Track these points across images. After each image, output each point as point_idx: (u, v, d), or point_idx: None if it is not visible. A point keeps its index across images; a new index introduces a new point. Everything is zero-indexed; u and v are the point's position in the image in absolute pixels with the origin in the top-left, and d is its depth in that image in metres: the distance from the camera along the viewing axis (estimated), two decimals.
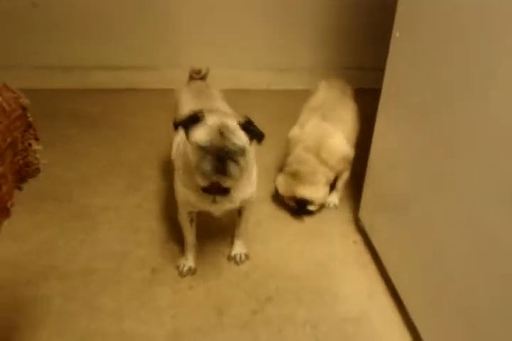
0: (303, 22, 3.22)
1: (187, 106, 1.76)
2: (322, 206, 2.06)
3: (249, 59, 3.32)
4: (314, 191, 1.94)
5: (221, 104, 1.83)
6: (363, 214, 1.89)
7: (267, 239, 1.91)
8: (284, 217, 2.04)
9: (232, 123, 1.36)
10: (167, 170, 2.36)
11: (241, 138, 1.35)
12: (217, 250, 1.84)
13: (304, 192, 1.93)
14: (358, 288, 1.68)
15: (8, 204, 0.87)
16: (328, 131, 1.96)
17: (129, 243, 1.85)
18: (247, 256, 1.80)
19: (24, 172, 0.96)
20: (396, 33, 1.54)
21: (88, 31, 3.10)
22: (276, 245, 1.88)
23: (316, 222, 2.02)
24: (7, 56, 3.04)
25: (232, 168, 1.32)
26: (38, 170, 1.00)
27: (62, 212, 2.00)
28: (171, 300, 1.60)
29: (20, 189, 0.97)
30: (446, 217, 1.26)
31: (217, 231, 1.92)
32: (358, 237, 1.92)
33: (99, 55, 3.19)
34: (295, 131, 2.04)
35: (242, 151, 1.35)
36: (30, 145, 0.97)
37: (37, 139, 0.99)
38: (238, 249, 1.80)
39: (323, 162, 1.95)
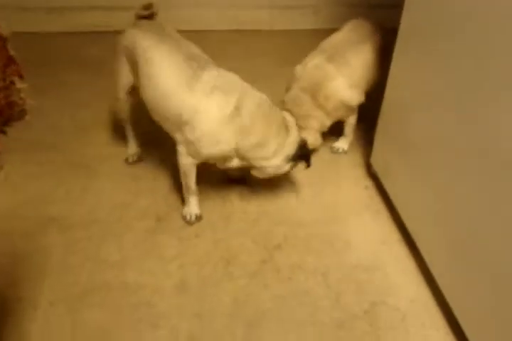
0: None
1: (155, 52, 1.52)
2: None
3: None
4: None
5: (193, 47, 1.63)
6: (375, 158, 1.80)
7: (274, 185, 1.82)
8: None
9: None
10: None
11: None
12: (223, 197, 1.76)
13: None
14: (370, 235, 1.62)
15: None
16: (329, 73, 1.81)
17: (131, 192, 1.77)
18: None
19: (7, 114, 0.86)
20: None
21: None
22: (284, 191, 1.80)
23: (326, 167, 1.93)
24: None
25: None
26: (24, 112, 0.89)
27: (60, 161, 1.91)
28: (177, 249, 1.55)
29: (4, 132, 0.87)
30: (466, 159, 1.16)
31: (222, 179, 1.84)
32: (369, 182, 1.84)
33: None
34: (297, 69, 1.91)
35: None
36: (13, 82, 0.86)
37: (21, 77, 0.87)
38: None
39: (320, 106, 1.82)
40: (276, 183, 1.83)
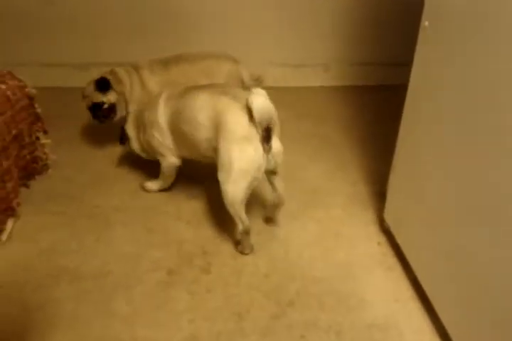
0: (318, 17, 3.13)
1: None
2: None
3: (262, 55, 3.24)
4: None
5: None
6: (388, 214, 1.80)
7: (286, 239, 1.83)
8: (303, 217, 1.95)
9: None
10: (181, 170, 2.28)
11: None
12: (234, 251, 1.76)
13: None
14: (384, 293, 1.59)
15: (14, 203, 0.81)
16: None
17: (143, 244, 1.78)
18: None
19: (31, 169, 0.89)
20: (425, 22, 1.45)
21: (105, 28, 3.03)
22: (297, 246, 1.80)
23: (337, 222, 1.93)
24: (23, 53, 2.99)
25: None
26: (47, 167, 0.94)
27: (74, 212, 1.93)
28: (188, 303, 1.53)
29: (27, 186, 0.90)
30: (481, 218, 1.17)
31: (230, 231, 1.85)
32: (382, 239, 1.83)
33: (117, 53, 3.12)
34: None
35: None
36: (38, 138, 0.90)
37: (46, 132, 0.92)
38: None
39: None
40: (288, 237, 1.83)
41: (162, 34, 3.08)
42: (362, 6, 3.08)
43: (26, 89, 0.87)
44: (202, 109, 1.65)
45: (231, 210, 1.63)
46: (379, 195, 2.00)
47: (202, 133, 1.65)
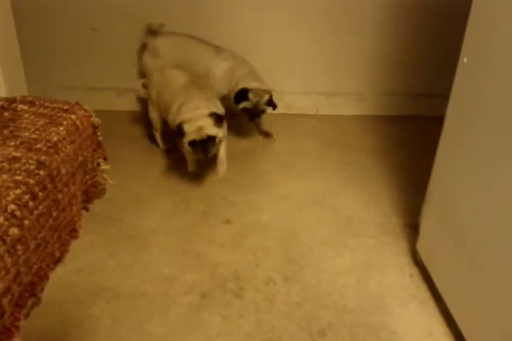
0: (353, 46, 3.19)
1: None
2: None
3: (297, 83, 3.30)
4: None
5: None
6: (421, 246, 1.80)
7: (318, 267, 1.84)
8: (336, 245, 1.97)
9: None
10: (216, 191, 2.33)
11: None
12: (267, 277, 1.78)
13: None
14: (417, 326, 1.58)
15: (77, 226, 0.85)
16: None
17: (178, 266, 1.81)
18: None
19: (91, 193, 0.95)
20: (464, 59, 1.49)
21: None
22: (329, 275, 1.81)
23: (370, 252, 1.94)
24: (72, 77, 3.09)
25: None
26: (104, 191, 0.99)
27: (113, 233, 1.99)
28: (221, 327, 1.55)
29: (87, 209, 0.95)
30: None
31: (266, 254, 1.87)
32: (414, 270, 1.82)
33: None
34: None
35: None
36: (98, 164, 0.96)
37: (105, 159, 0.97)
38: None
39: None
40: (320, 265, 1.85)
41: None
42: (397, 37, 3.13)
43: (91, 119, 0.93)
44: None
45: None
46: (411, 226, 2.01)
47: None
